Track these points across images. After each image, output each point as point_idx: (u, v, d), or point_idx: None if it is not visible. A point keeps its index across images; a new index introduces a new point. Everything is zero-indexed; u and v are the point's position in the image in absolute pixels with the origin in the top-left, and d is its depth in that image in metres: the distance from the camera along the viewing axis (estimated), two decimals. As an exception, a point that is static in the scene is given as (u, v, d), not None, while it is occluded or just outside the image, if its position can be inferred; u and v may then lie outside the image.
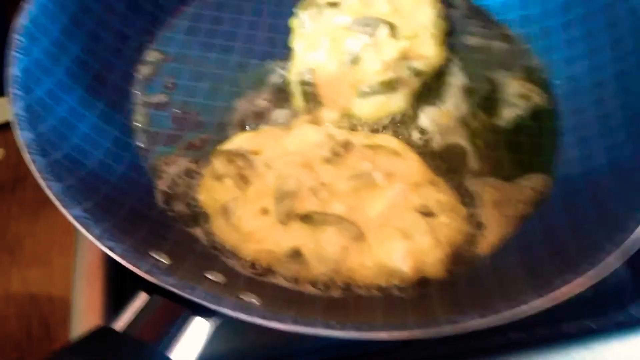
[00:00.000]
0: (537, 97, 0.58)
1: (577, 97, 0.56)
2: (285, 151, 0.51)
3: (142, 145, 0.54)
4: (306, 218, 0.47)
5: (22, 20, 0.48)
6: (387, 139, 0.54)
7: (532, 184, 0.52)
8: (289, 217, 0.47)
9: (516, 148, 0.55)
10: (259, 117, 0.57)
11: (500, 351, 0.50)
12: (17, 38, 0.47)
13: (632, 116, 0.50)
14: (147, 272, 0.37)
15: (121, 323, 0.36)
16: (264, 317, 0.35)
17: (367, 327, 0.35)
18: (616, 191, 0.46)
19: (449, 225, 0.47)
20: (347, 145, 0.51)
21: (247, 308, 0.36)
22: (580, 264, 0.39)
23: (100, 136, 0.51)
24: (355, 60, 0.57)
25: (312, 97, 0.57)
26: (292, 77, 0.58)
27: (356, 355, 0.50)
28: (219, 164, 0.51)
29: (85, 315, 0.50)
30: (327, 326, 0.35)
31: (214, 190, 0.50)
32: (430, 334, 0.35)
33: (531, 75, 0.60)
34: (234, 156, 0.51)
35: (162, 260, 0.40)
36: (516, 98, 0.58)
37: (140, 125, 0.56)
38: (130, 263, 0.38)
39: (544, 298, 0.37)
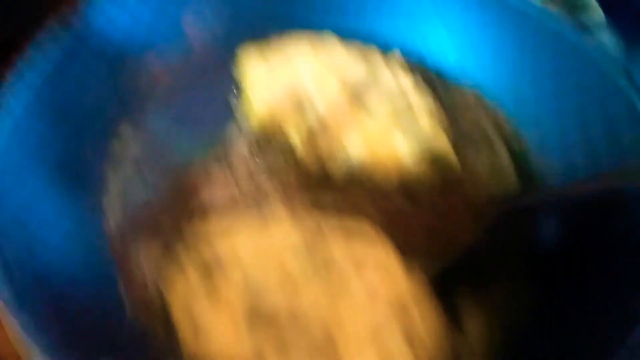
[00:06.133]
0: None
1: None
2: (258, 250, 0.48)
3: (110, 228, 0.50)
4: (274, 329, 0.43)
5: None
6: (359, 225, 0.50)
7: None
8: (255, 328, 0.43)
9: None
10: (227, 200, 0.53)
11: None
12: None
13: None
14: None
15: None
16: None
17: None
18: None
19: (429, 345, 0.44)
20: (319, 237, 0.49)
21: None
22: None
23: (58, 221, 0.48)
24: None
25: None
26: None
27: None
28: (184, 257, 0.47)
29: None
30: None
31: (177, 288, 0.46)
32: None
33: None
34: (203, 253, 0.47)
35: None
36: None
37: (108, 204, 0.52)
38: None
39: None
